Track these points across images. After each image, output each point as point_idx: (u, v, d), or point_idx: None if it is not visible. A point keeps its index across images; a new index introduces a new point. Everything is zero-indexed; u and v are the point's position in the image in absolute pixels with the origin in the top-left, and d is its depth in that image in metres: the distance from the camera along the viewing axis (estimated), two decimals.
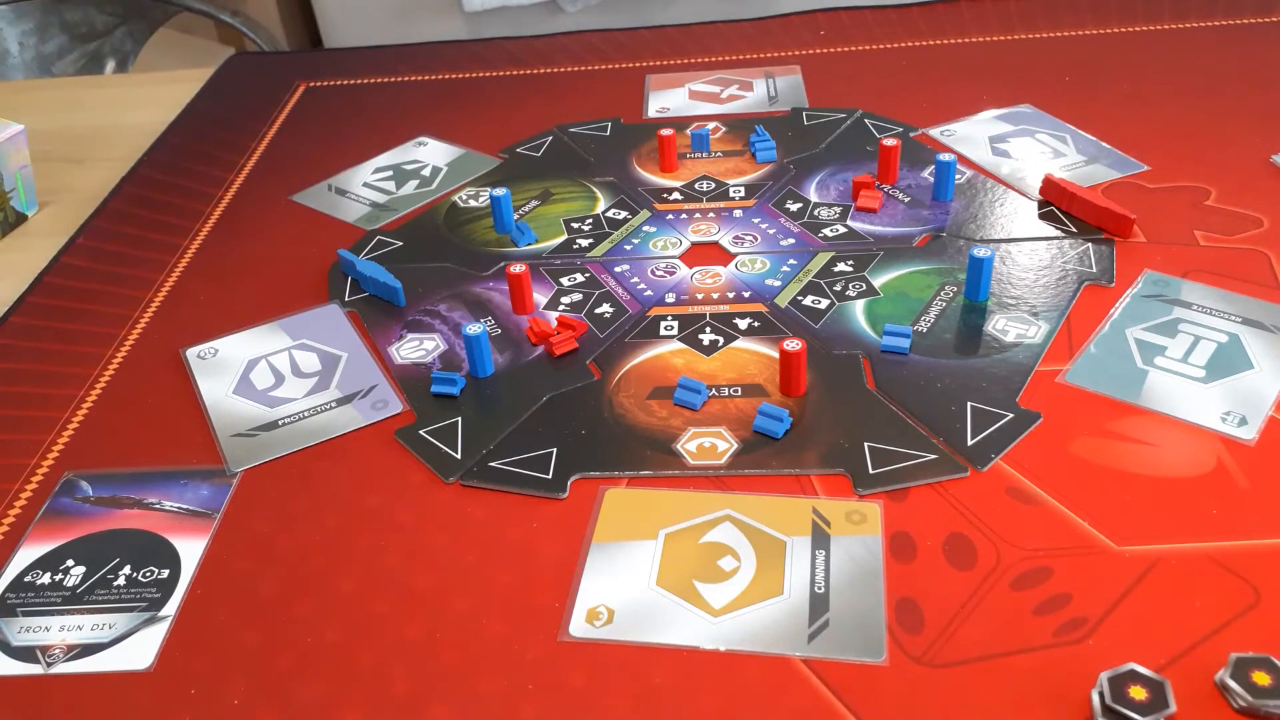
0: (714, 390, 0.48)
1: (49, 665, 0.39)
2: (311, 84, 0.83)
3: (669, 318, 0.53)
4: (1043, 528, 0.40)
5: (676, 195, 0.64)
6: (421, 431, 0.47)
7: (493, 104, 0.77)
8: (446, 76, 0.82)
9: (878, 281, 0.54)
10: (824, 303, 0.53)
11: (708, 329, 0.52)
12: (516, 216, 0.63)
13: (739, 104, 0.74)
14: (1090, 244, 0.55)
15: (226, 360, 0.53)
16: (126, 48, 1.19)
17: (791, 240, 0.58)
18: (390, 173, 0.69)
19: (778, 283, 0.55)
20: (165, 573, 0.42)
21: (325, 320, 0.55)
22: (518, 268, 0.54)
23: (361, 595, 0.40)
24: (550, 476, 0.44)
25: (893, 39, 0.81)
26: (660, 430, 0.46)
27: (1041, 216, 0.58)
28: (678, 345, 0.51)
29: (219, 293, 0.59)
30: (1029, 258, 0.55)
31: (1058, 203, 0.59)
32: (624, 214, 0.62)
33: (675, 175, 0.66)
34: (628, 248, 0.59)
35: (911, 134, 0.67)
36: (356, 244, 0.61)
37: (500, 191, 0.61)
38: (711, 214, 0.61)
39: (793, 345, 0.47)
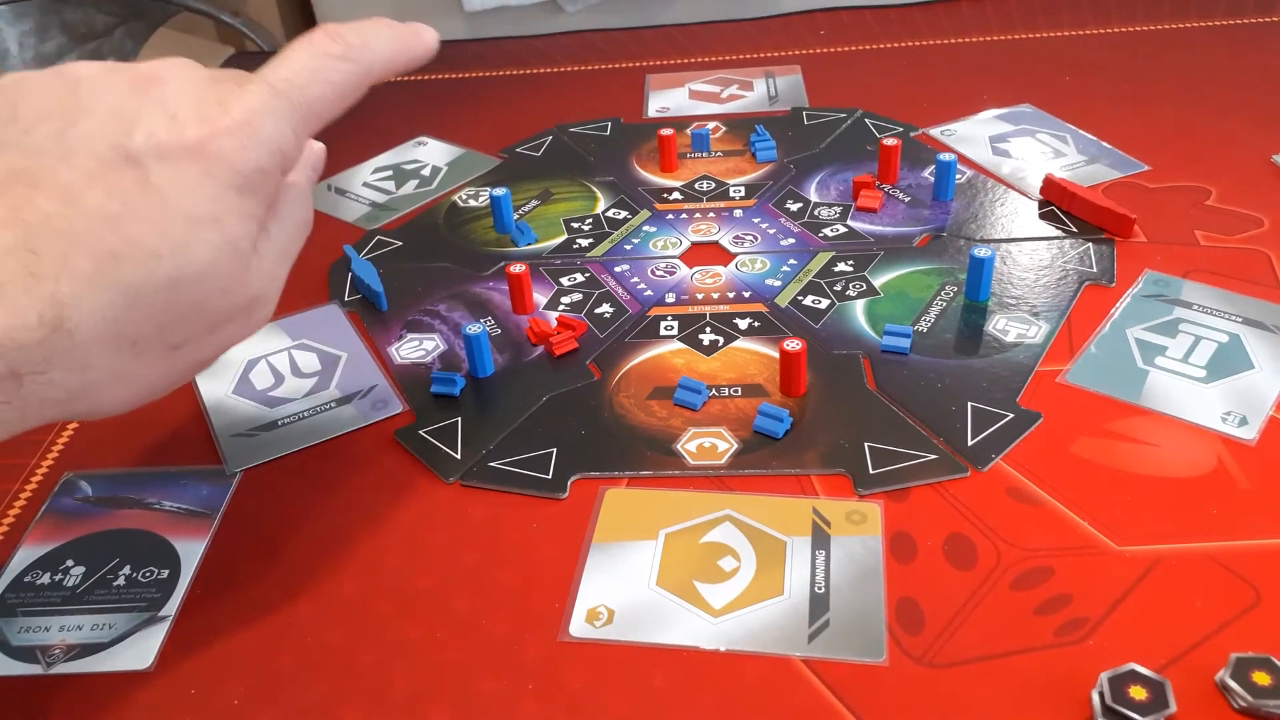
0: (714, 390, 0.48)
1: (49, 665, 0.39)
2: None
3: (669, 318, 0.53)
4: (1043, 528, 0.40)
5: (676, 195, 0.64)
6: (421, 431, 0.47)
7: (493, 104, 0.77)
8: (446, 76, 0.82)
9: (878, 281, 0.54)
10: (824, 303, 0.53)
11: (708, 329, 0.52)
12: (516, 216, 0.63)
13: (739, 104, 0.74)
14: (1091, 244, 0.55)
15: (226, 360, 0.53)
16: (126, 48, 1.19)
17: (792, 240, 0.58)
18: (390, 172, 0.69)
19: (778, 283, 0.55)
20: (165, 573, 0.42)
21: (325, 320, 0.55)
22: (518, 268, 0.54)
23: (361, 595, 0.40)
24: (550, 476, 0.44)
25: (893, 39, 0.81)
26: (660, 430, 0.46)
27: (1042, 216, 0.58)
28: (678, 345, 0.51)
29: None
30: (1029, 257, 0.55)
31: (1058, 202, 0.59)
32: (624, 214, 0.62)
33: (675, 175, 0.66)
34: (628, 248, 0.59)
35: (912, 134, 0.67)
36: (357, 243, 0.61)
37: (500, 191, 0.61)
38: (711, 214, 0.61)
39: (793, 345, 0.47)
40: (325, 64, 0.36)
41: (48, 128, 0.33)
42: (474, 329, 0.49)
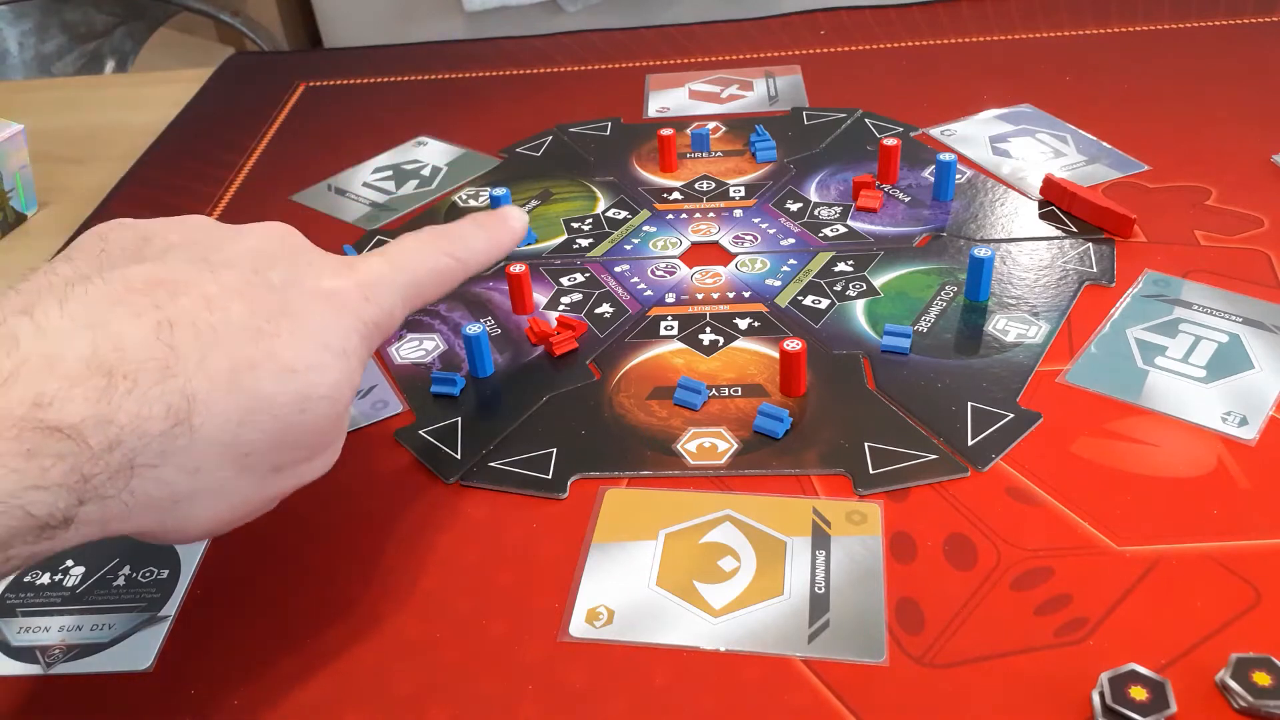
0: (714, 390, 0.48)
1: (48, 665, 0.39)
2: (311, 84, 0.83)
3: (669, 318, 0.53)
4: (1043, 528, 0.40)
5: (676, 195, 0.64)
6: (421, 431, 0.47)
7: (493, 104, 0.77)
8: (446, 76, 0.82)
9: (878, 281, 0.54)
10: (824, 303, 0.53)
11: (708, 329, 0.52)
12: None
13: (739, 104, 0.74)
14: (1091, 244, 0.55)
15: None
16: (126, 48, 1.19)
17: (792, 240, 0.58)
18: (390, 172, 0.69)
19: (778, 283, 0.55)
20: (165, 573, 0.42)
21: None
22: (518, 268, 0.54)
23: (362, 595, 0.40)
24: (550, 476, 0.44)
25: (893, 39, 0.81)
26: (660, 430, 0.46)
27: (1042, 216, 0.58)
28: (678, 345, 0.51)
29: None
30: (1029, 258, 0.55)
31: (1058, 202, 0.59)
32: (624, 214, 0.62)
33: (675, 175, 0.66)
34: (628, 248, 0.59)
35: (912, 134, 0.67)
36: (357, 243, 0.61)
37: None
38: (711, 214, 0.61)
39: (793, 345, 0.47)
40: (434, 255, 0.41)
41: (186, 252, 0.35)
42: (474, 329, 0.49)
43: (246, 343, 0.33)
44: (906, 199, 0.61)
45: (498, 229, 0.44)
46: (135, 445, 0.30)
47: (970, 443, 0.44)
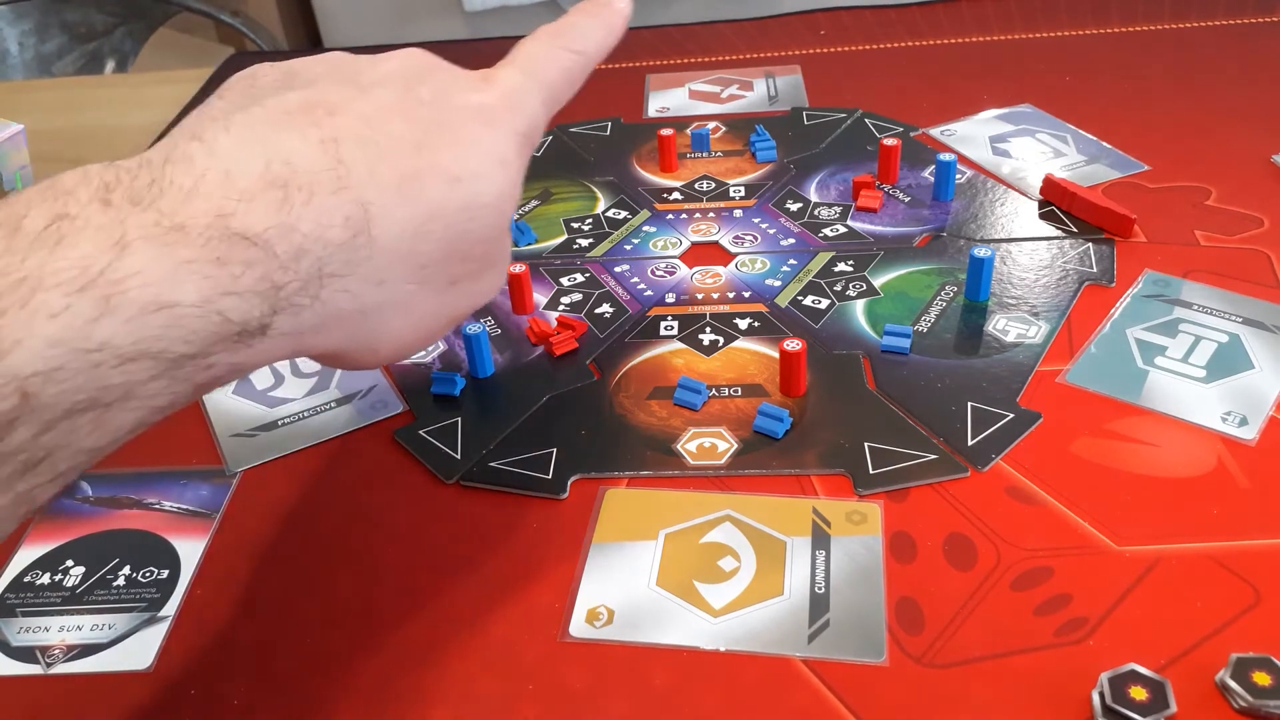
0: (714, 390, 0.48)
1: (48, 666, 0.39)
2: None
3: (669, 318, 0.53)
4: (1043, 528, 0.40)
5: (676, 195, 0.64)
6: (421, 432, 0.47)
7: None
8: None
9: (878, 281, 0.54)
10: (824, 303, 0.53)
11: (708, 329, 0.52)
12: (516, 216, 0.63)
13: (739, 104, 0.74)
14: (1091, 244, 0.55)
15: None
16: (126, 48, 1.19)
17: (792, 240, 0.58)
18: None
19: (778, 283, 0.55)
20: (165, 573, 0.42)
21: None
22: (517, 268, 0.54)
23: (361, 595, 0.40)
24: (550, 476, 0.44)
25: (893, 39, 0.81)
26: (660, 430, 0.46)
27: (1042, 216, 0.58)
28: (678, 345, 0.51)
29: None
30: (1029, 258, 0.55)
31: (1058, 202, 0.59)
32: (624, 214, 0.62)
33: (675, 175, 0.66)
34: (628, 248, 0.59)
35: (912, 134, 0.67)
36: None
37: None
38: (711, 214, 0.61)
39: (793, 345, 0.47)
40: (557, 53, 0.39)
41: (332, 80, 0.35)
42: (474, 329, 0.49)
43: (410, 155, 0.33)
44: (906, 199, 0.61)
45: (605, 13, 0.42)
46: (321, 255, 0.30)
47: (970, 443, 0.44)
